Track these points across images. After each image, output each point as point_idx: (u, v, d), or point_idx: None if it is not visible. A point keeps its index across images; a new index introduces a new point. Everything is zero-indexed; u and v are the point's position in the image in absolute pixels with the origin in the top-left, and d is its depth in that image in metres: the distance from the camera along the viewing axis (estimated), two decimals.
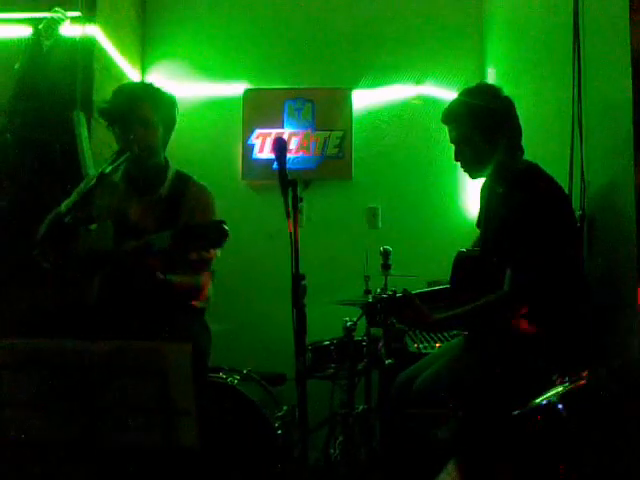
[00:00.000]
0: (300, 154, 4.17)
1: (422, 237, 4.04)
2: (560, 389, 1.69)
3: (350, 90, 4.20)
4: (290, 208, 1.95)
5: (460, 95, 2.44)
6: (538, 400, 1.65)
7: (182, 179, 2.55)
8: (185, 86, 4.18)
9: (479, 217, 2.60)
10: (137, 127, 2.40)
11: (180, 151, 2.63)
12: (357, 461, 2.95)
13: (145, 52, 4.29)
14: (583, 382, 1.69)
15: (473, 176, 2.47)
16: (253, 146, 4.19)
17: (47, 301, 2.52)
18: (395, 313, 2.46)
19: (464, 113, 2.36)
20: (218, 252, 2.37)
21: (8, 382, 1.72)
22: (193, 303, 2.48)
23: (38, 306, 2.65)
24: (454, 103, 2.43)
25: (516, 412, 1.65)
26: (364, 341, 3.18)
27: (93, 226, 2.31)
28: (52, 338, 1.76)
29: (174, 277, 2.30)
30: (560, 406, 1.59)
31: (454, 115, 2.39)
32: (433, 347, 3.07)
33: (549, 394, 1.68)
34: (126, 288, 2.25)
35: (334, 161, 4.18)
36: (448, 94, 4.08)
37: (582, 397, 1.65)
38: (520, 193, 2.24)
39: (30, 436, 1.75)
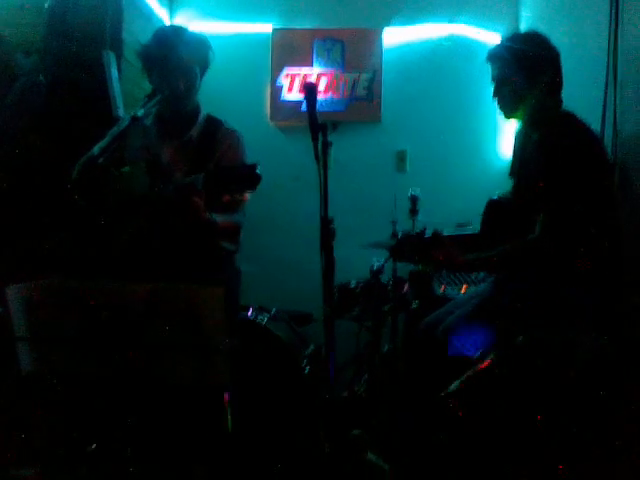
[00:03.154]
0: (329, 95, 4.14)
1: (450, 181, 4.01)
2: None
3: (380, 30, 4.13)
4: (320, 153, 1.96)
5: (509, 38, 2.48)
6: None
7: (213, 123, 2.56)
8: (213, 25, 4.15)
9: (512, 165, 2.59)
10: (175, 72, 2.40)
11: (207, 91, 2.61)
12: (381, 398, 3.03)
13: None
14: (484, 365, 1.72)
15: (507, 116, 2.49)
16: (282, 87, 4.16)
17: (84, 242, 2.58)
18: (424, 252, 2.47)
19: (510, 55, 2.38)
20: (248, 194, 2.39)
21: (46, 321, 1.78)
22: (225, 246, 2.51)
23: (76, 247, 2.71)
24: (502, 43, 2.49)
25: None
26: (390, 283, 3.23)
27: (126, 168, 2.35)
28: (89, 279, 1.81)
29: (216, 217, 2.33)
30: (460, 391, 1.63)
31: (500, 55, 2.43)
32: (460, 291, 3.10)
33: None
34: (166, 228, 2.28)
35: (363, 103, 4.15)
36: (480, 35, 4.01)
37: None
38: (555, 138, 2.25)
39: (66, 373, 1.82)
